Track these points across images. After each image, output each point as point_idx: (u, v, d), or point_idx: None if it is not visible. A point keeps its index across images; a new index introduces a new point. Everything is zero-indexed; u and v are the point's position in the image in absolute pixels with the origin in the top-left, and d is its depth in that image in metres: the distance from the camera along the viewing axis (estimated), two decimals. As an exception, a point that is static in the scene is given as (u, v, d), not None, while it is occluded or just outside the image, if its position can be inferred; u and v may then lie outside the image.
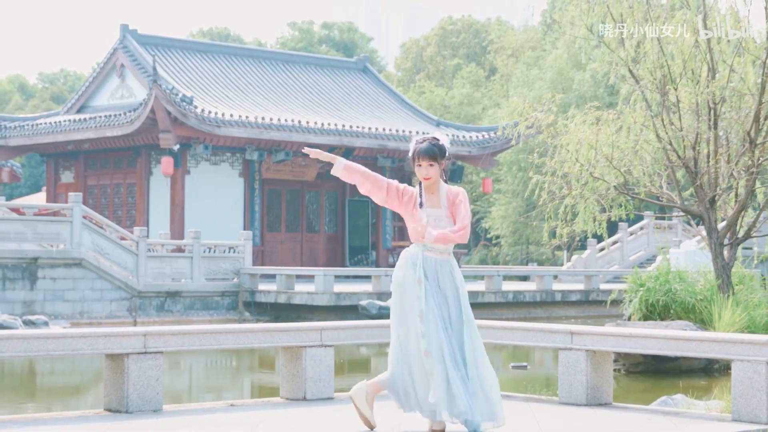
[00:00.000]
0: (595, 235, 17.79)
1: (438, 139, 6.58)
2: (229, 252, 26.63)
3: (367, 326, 8.73)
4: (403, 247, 36.23)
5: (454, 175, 36.97)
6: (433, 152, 6.52)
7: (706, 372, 14.18)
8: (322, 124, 32.38)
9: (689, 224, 20.56)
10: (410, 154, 6.60)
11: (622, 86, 16.64)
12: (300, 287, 25.68)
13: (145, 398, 7.33)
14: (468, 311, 6.52)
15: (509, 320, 16.48)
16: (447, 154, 6.59)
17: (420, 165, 6.53)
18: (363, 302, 23.98)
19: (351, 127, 33.21)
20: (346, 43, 72.20)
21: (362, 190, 6.75)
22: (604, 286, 28.37)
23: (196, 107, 29.96)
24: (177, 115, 29.32)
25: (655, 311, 14.90)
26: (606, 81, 28.30)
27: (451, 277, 6.53)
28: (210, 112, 30.46)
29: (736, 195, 15.28)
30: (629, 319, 15.16)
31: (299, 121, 31.97)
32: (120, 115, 30.62)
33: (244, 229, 31.52)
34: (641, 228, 36.82)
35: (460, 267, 33.94)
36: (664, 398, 9.73)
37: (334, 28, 74.68)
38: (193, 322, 24.27)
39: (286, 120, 31.80)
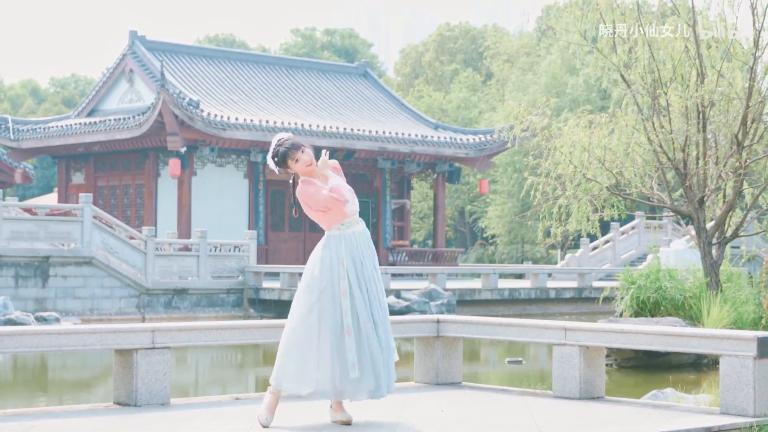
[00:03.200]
0: (588, 235, 17.76)
1: None
2: (234, 251, 26.88)
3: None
4: (402, 247, 36.58)
5: (451, 177, 37.28)
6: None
7: (695, 367, 14.26)
8: (324, 127, 32.67)
9: (679, 224, 20.78)
10: (293, 150, 6.59)
11: (614, 90, 16.93)
12: (303, 285, 25.95)
13: (153, 392, 7.41)
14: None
15: (505, 317, 16.80)
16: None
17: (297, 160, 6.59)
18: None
19: (352, 130, 33.42)
20: (347, 48, 72.20)
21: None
22: (596, 284, 28.49)
23: (202, 111, 30.22)
24: (184, 119, 29.63)
25: (646, 308, 14.96)
26: (599, 85, 28.44)
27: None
28: (216, 115, 30.76)
29: (724, 196, 15.44)
30: (621, 315, 15.18)
31: (302, 125, 32.24)
32: (129, 118, 30.84)
33: (249, 229, 31.88)
34: (632, 227, 36.90)
35: (457, 265, 33.89)
36: (655, 392, 9.70)
37: (335, 34, 74.56)
38: (199, 318, 24.46)
39: (289, 123, 32.03)
